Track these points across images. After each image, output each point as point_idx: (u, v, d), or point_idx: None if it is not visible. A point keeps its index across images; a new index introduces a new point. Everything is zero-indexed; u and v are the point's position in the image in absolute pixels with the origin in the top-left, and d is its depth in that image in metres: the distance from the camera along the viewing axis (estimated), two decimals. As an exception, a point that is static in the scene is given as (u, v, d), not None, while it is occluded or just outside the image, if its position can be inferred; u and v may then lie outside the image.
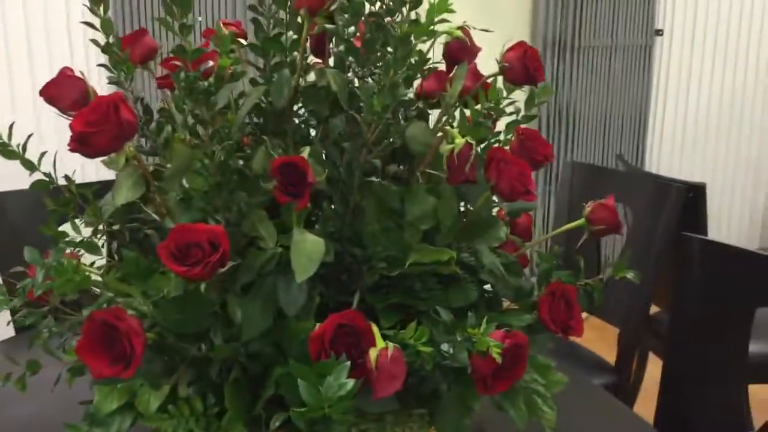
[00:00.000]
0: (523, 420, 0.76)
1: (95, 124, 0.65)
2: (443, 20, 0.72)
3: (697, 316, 1.25)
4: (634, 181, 1.73)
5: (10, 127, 0.75)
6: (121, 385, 0.72)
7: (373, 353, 0.57)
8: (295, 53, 0.74)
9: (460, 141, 0.67)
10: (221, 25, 0.88)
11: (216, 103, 0.67)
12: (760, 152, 3.85)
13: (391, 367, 0.56)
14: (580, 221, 0.86)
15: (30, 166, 0.77)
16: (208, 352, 0.66)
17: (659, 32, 3.45)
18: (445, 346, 0.63)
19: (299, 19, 0.71)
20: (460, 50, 0.80)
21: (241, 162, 0.73)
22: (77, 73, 0.76)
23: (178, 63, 0.67)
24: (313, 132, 0.79)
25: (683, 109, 3.63)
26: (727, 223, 3.76)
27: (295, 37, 0.72)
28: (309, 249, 0.65)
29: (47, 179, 0.78)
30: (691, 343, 1.26)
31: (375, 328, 0.59)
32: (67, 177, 0.80)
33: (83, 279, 0.62)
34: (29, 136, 0.77)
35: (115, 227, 0.81)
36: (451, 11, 0.70)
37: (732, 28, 3.61)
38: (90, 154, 0.67)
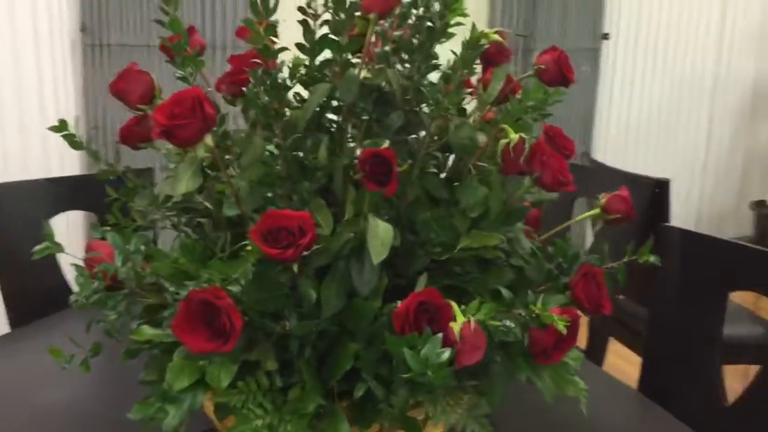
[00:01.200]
0: (551, 393, 0.83)
1: (181, 117, 0.69)
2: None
3: (676, 301, 1.35)
4: (603, 176, 1.84)
5: (76, 120, 0.78)
6: (191, 363, 0.76)
7: (456, 326, 0.63)
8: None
9: (515, 136, 0.73)
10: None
11: (286, 98, 0.72)
12: (697, 149, 4.08)
13: (474, 338, 0.62)
14: (596, 211, 0.94)
15: (95, 156, 0.80)
16: (287, 330, 0.70)
17: (606, 36, 3.61)
18: (507, 321, 0.70)
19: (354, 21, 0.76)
20: (497, 53, 0.86)
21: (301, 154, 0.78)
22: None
23: (256, 60, 0.72)
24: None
25: (627, 110, 3.81)
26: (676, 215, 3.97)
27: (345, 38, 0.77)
28: (382, 234, 0.71)
29: (110, 169, 0.82)
30: (671, 327, 1.36)
31: (454, 305, 0.65)
32: (128, 168, 0.84)
33: (182, 262, 0.66)
34: (95, 128, 0.81)
35: (171, 215, 0.85)
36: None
37: (673, 32, 3.81)
38: (176, 144, 0.71)
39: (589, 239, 2.47)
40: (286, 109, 0.76)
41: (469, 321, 0.63)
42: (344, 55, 0.75)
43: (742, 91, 4.18)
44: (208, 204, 0.85)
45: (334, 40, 0.79)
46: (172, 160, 0.85)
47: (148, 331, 0.77)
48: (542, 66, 0.83)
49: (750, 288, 1.30)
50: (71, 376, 1.13)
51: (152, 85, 0.78)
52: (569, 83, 0.84)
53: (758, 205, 4.18)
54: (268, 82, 0.71)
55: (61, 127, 0.77)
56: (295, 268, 0.66)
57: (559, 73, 0.83)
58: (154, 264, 0.70)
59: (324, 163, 0.76)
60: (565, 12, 3.48)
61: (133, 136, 0.86)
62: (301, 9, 0.84)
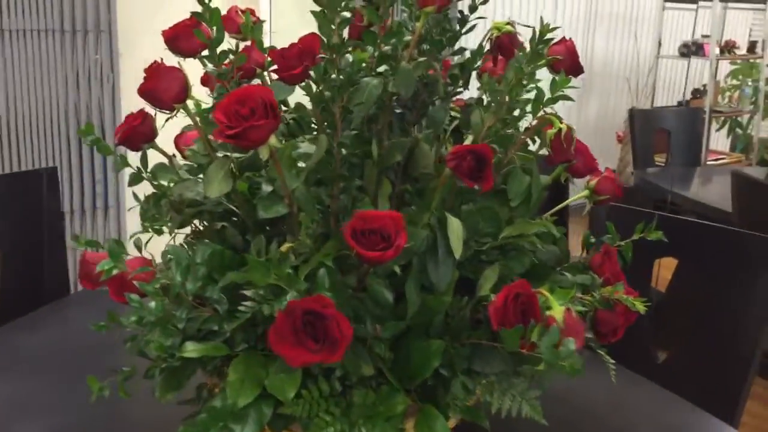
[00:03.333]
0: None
1: (253, 118, 0.64)
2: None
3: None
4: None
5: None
6: (249, 377, 0.72)
7: (558, 314, 0.65)
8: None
9: (563, 126, 0.76)
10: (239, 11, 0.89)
11: (350, 95, 0.70)
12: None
13: (575, 324, 0.65)
14: (585, 192, 0.99)
15: (123, 162, 0.74)
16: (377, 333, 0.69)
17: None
18: (577, 306, 0.73)
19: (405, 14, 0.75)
20: (510, 42, 0.88)
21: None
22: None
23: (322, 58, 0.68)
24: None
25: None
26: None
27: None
28: (456, 229, 0.71)
29: (138, 173, 0.75)
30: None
31: (548, 294, 0.67)
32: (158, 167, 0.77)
33: (280, 271, 0.62)
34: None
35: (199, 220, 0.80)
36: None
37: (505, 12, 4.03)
38: (243, 146, 0.66)
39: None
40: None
41: (568, 309, 0.65)
42: (399, 48, 0.74)
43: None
44: (231, 206, 0.81)
45: (398, 31, 0.76)
46: (194, 160, 0.79)
47: (194, 347, 0.72)
48: (558, 57, 0.86)
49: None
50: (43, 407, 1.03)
51: (186, 82, 0.72)
52: (580, 72, 0.88)
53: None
54: (335, 77, 0.68)
55: (87, 130, 0.70)
56: (398, 269, 0.65)
57: (572, 63, 0.87)
58: (234, 275, 0.66)
59: (379, 160, 0.74)
60: None
61: (137, 136, 0.79)
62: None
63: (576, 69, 0.88)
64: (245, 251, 0.77)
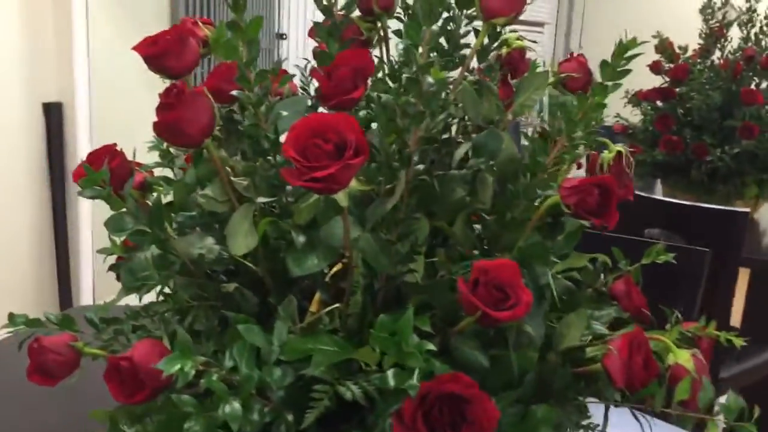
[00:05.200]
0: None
1: (335, 156, 0.51)
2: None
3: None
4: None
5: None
6: None
7: (686, 361, 0.58)
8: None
9: (617, 147, 0.70)
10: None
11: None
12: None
13: (703, 369, 0.58)
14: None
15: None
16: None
17: (282, 36, 3.63)
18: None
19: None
20: (520, 59, 0.81)
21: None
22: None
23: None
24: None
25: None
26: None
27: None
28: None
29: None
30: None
31: (665, 338, 0.60)
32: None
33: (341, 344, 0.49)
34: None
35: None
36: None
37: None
38: (324, 191, 0.52)
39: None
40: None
41: (694, 354, 0.59)
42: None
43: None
44: (250, 264, 0.65)
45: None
46: (209, 207, 0.63)
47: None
48: (574, 74, 0.80)
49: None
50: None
51: (215, 110, 0.56)
52: (589, 88, 0.83)
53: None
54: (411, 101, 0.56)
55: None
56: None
57: (585, 81, 0.81)
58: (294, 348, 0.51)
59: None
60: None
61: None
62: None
63: (587, 86, 0.83)
64: (256, 317, 0.63)
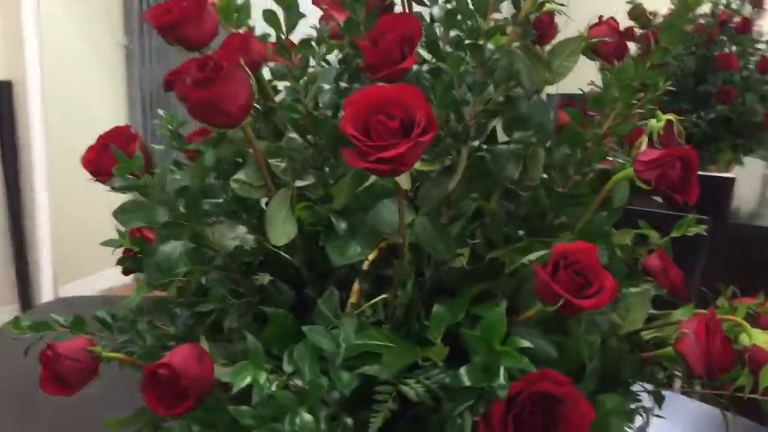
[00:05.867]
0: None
1: (401, 134, 0.45)
2: None
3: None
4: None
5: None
6: None
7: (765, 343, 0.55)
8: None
9: (666, 116, 0.66)
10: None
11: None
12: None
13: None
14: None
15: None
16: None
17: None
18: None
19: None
20: (549, 24, 0.76)
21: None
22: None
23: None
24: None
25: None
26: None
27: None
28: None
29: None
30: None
31: (741, 320, 0.57)
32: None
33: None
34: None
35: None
36: None
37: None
38: (387, 173, 0.46)
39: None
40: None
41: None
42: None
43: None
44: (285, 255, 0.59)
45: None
46: (243, 193, 0.56)
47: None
48: (606, 39, 0.76)
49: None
50: None
51: (253, 86, 0.50)
52: (625, 55, 0.78)
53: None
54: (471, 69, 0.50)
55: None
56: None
57: (620, 46, 0.77)
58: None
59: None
60: None
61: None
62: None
63: (623, 52, 0.78)
64: (293, 311, 0.57)
